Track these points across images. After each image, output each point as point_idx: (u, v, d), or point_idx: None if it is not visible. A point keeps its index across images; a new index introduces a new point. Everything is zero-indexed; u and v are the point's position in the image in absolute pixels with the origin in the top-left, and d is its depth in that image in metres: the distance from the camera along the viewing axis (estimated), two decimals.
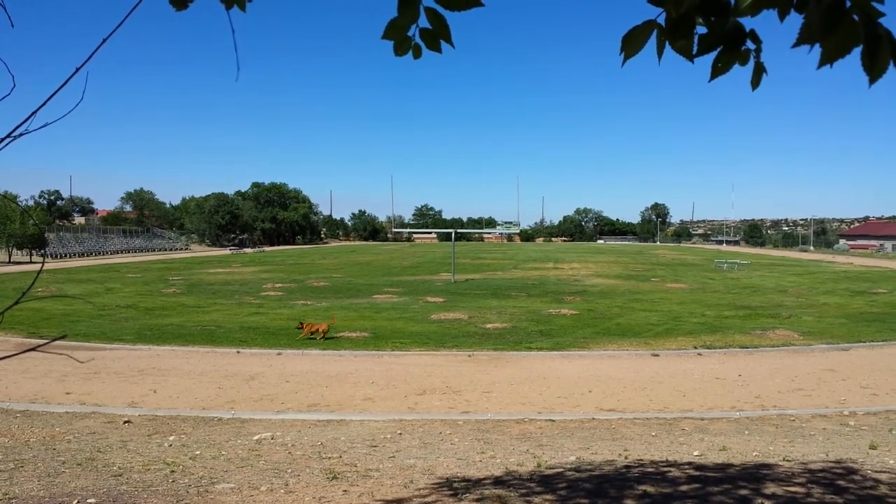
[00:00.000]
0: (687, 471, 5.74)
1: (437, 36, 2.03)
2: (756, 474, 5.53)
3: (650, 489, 4.91)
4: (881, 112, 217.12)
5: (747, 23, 1.72)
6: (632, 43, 1.80)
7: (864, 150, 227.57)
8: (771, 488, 4.90)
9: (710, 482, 5.20)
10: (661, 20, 1.76)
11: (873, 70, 1.50)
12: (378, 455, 6.79)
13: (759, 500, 4.50)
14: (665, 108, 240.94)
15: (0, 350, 13.61)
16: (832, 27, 1.47)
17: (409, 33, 2.01)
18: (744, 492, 4.81)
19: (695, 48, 1.75)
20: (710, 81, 1.80)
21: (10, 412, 9.13)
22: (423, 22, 1.98)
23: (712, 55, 1.75)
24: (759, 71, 1.79)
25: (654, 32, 1.78)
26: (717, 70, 1.78)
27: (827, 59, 1.51)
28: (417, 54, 2.08)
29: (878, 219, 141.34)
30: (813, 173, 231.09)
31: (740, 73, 1.85)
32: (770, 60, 1.80)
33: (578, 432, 8.20)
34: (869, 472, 5.65)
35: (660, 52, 1.80)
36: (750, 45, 1.75)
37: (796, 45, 1.49)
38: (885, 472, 5.71)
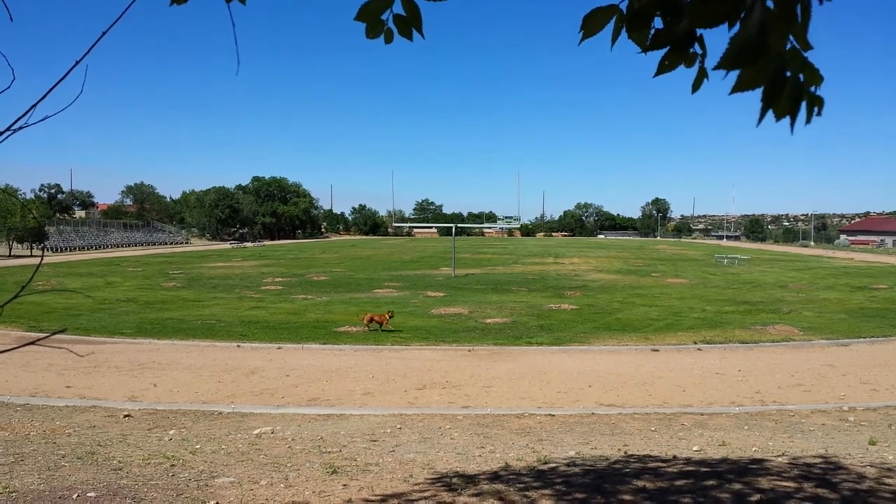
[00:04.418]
0: (685, 466, 5.75)
1: (409, 24, 2.06)
2: (754, 469, 5.54)
3: (647, 484, 4.92)
4: (882, 108, 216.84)
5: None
6: (591, 24, 1.83)
7: (866, 146, 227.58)
8: (768, 483, 4.91)
9: (708, 477, 5.21)
10: (624, 7, 1.80)
11: (775, 110, 1.54)
12: (378, 449, 6.81)
13: (756, 496, 4.51)
14: (666, 104, 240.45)
15: (0, 343, 13.64)
16: (750, 60, 1.48)
17: (383, 17, 2.04)
18: (740, 486, 4.82)
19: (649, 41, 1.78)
20: (654, 77, 1.85)
21: (10, 406, 9.15)
22: (398, 8, 2.03)
23: (663, 52, 1.78)
24: (702, 76, 1.82)
25: (614, 18, 1.82)
26: (664, 67, 1.80)
27: (738, 87, 1.53)
28: (389, 39, 2.11)
29: (878, 214, 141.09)
30: (814, 169, 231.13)
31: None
32: None
33: (578, 427, 8.21)
34: (867, 467, 5.66)
35: (614, 38, 1.84)
36: (698, 49, 1.77)
37: (716, 68, 1.52)
38: (882, 467, 5.72)
